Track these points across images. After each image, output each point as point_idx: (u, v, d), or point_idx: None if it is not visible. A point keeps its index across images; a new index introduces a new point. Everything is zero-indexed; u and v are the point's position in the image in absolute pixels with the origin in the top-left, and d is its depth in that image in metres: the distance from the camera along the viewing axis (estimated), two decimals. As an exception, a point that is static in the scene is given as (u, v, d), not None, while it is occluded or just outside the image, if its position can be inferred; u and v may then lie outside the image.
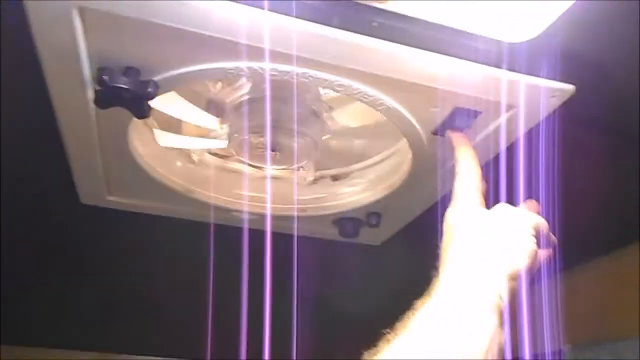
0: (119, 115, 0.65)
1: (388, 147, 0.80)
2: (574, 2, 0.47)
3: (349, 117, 0.77)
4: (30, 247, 1.05)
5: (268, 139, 0.71)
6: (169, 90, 0.61)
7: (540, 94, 0.59)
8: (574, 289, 0.81)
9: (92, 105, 0.63)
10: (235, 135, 0.75)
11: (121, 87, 0.55)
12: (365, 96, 0.60)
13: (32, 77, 0.59)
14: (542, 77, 0.56)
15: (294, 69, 0.55)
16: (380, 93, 0.59)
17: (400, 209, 0.86)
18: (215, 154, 0.87)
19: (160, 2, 0.49)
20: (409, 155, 0.73)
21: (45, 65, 0.57)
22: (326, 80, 0.58)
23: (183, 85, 0.62)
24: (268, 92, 0.66)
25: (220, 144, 0.79)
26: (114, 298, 1.26)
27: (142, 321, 1.39)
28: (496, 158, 0.64)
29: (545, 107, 0.60)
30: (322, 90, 0.72)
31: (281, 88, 0.71)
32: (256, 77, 0.62)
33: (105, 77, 0.54)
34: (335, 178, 0.91)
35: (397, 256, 1.04)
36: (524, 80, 0.57)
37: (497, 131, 0.64)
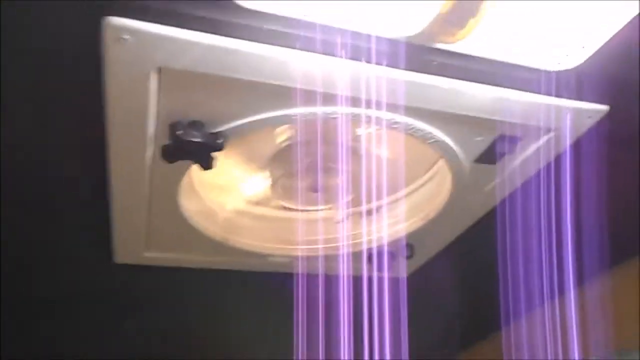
0: (171, 172, 0.67)
1: (421, 176, 0.83)
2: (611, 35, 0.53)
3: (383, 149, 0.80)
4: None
5: (319, 179, 0.74)
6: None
7: (576, 116, 0.64)
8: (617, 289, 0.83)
9: (149, 163, 0.65)
10: (280, 180, 0.78)
11: (192, 141, 0.57)
12: (418, 131, 0.64)
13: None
14: (580, 100, 0.61)
15: (361, 110, 0.58)
16: (431, 127, 0.63)
17: (434, 238, 0.89)
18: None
19: (240, 57, 0.52)
20: (447, 184, 0.76)
21: (112, 123, 0.59)
22: (387, 119, 0.61)
23: (246, 135, 0.64)
24: (319, 135, 0.69)
25: (263, 189, 0.82)
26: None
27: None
28: (538, 175, 0.69)
29: (581, 127, 0.65)
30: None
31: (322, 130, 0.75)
32: (309, 122, 0.65)
33: (179, 132, 0.57)
34: (367, 213, 0.94)
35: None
36: (562, 104, 0.62)
37: (536, 153, 0.69)
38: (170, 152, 0.59)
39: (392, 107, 0.59)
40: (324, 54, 0.51)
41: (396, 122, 0.62)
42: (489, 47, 0.55)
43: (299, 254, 0.91)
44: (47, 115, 0.63)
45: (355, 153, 0.79)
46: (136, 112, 0.57)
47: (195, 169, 0.71)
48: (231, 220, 0.87)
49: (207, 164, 0.61)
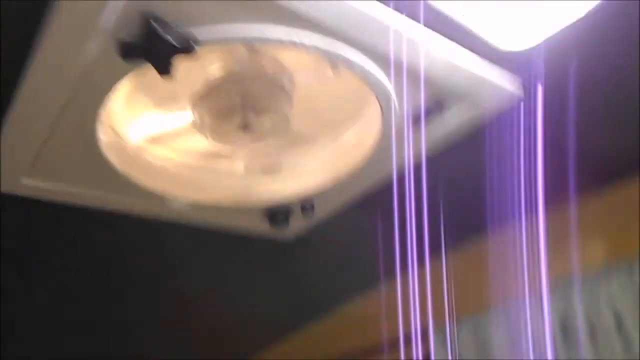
0: (102, 83, 0.60)
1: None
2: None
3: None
4: None
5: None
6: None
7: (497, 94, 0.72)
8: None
9: (83, 64, 0.57)
10: (206, 117, 0.73)
11: (164, 39, 0.52)
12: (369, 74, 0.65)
13: None
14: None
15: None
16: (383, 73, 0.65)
17: (332, 200, 0.92)
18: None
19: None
20: (370, 137, 0.79)
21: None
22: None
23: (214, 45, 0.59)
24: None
25: (184, 117, 0.76)
26: None
27: None
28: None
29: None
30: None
31: (251, 66, 0.73)
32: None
33: (154, 26, 0.51)
34: (266, 169, 0.93)
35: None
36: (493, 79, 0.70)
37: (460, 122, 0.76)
38: (131, 48, 0.52)
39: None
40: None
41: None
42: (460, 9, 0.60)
43: (199, 201, 0.87)
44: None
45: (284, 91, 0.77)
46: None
47: (124, 86, 0.64)
48: (138, 158, 0.80)
49: (166, 69, 0.55)
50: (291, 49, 0.62)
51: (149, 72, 0.64)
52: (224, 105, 0.74)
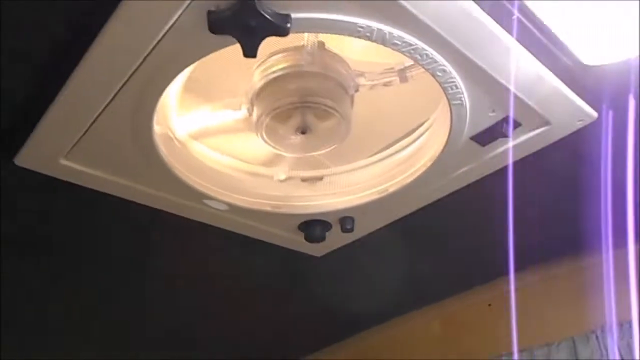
0: (171, 66, 0.56)
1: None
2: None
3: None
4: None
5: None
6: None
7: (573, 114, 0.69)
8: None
9: (156, 37, 0.53)
10: (263, 117, 0.69)
11: (262, 14, 0.48)
12: (451, 79, 0.62)
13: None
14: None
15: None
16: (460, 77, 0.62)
17: (378, 215, 0.87)
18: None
19: None
20: (431, 154, 0.75)
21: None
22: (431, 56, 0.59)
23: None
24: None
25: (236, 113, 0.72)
26: None
27: None
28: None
29: (570, 127, 0.71)
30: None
31: (318, 63, 0.69)
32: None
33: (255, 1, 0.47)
34: (307, 179, 0.89)
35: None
36: (572, 100, 0.67)
37: (525, 144, 0.72)
38: (224, 20, 0.49)
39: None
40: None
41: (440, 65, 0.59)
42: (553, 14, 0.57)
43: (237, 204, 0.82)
44: None
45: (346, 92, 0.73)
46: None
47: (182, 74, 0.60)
48: (183, 152, 0.75)
49: (253, 50, 0.52)
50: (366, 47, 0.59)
51: (215, 61, 0.61)
52: (284, 102, 0.70)
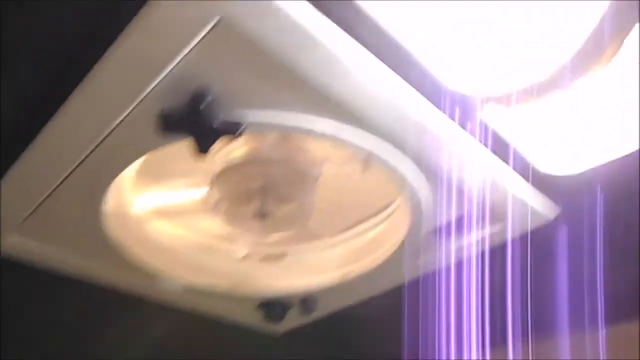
0: (130, 148, 0.54)
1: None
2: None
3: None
4: None
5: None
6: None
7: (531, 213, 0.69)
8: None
9: (112, 124, 0.51)
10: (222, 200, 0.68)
11: (215, 119, 0.47)
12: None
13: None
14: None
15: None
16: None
17: (341, 295, 0.85)
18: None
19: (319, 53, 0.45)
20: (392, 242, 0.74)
21: (118, 51, 0.45)
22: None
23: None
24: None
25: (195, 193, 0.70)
26: None
27: None
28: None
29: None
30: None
31: (280, 153, 0.68)
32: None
33: (201, 107, 0.46)
34: (269, 258, 0.86)
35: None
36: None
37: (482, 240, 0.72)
38: (175, 122, 0.47)
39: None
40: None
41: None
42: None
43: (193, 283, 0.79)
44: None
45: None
46: (159, 54, 0.45)
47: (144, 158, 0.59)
48: (137, 229, 0.73)
49: (206, 149, 0.50)
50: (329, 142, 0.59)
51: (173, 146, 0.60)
52: (244, 188, 0.69)
